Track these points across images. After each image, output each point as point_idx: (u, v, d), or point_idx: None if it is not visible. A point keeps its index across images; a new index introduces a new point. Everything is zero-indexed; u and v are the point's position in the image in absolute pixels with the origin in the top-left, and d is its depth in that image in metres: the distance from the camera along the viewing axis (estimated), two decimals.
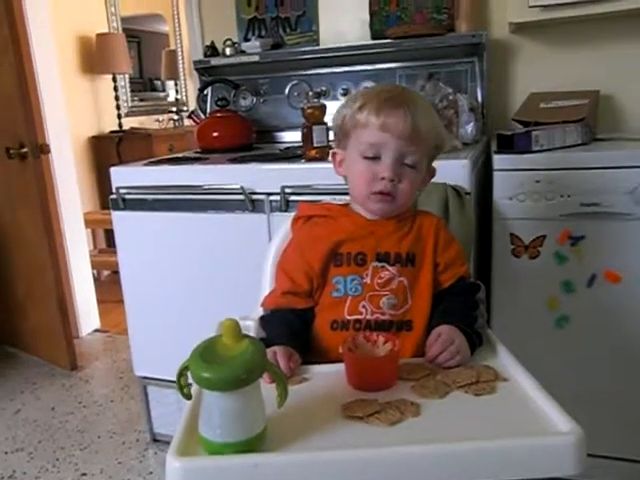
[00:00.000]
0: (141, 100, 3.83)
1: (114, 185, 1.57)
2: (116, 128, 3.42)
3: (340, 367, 0.72)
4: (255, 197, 1.41)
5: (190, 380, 0.58)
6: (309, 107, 1.41)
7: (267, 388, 0.61)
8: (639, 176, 1.21)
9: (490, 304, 1.38)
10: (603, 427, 1.34)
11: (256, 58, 1.81)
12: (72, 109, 2.85)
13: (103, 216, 3.27)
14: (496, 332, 1.32)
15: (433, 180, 1.11)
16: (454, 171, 1.24)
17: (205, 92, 1.92)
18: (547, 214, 1.28)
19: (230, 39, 1.88)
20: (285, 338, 0.78)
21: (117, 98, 3.43)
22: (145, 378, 1.75)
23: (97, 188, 3.43)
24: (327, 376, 0.72)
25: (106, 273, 3.50)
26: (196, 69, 1.93)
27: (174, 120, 3.72)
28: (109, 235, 3.45)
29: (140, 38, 3.94)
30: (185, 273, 1.55)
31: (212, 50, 1.89)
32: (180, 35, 4.17)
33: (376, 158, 0.82)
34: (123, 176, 1.57)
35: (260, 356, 0.57)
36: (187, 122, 3.86)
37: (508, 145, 1.31)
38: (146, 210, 1.54)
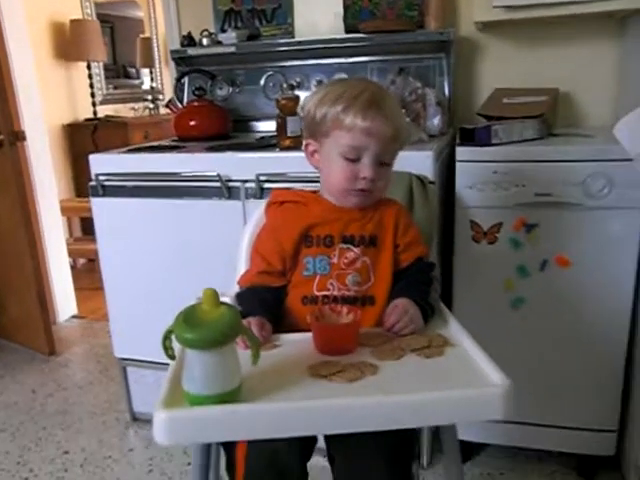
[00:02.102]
0: (115, 88, 3.84)
1: (93, 172, 1.63)
2: (91, 116, 3.43)
3: (308, 335, 0.81)
4: (231, 184, 1.49)
5: (174, 343, 0.66)
6: (283, 99, 1.49)
7: (243, 353, 0.70)
8: (588, 170, 1.32)
9: (452, 286, 1.48)
10: (552, 398, 1.46)
11: (232, 49, 1.88)
12: (46, 96, 2.87)
13: (79, 204, 3.30)
14: (458, 311, 1.45)
15: (400, 169, 1.22)
16: (419, 161, 1.34)
17: (182, 81, 1.97)
18: (504, 203, 1.38)
19: (207, 30, 1.94)
20: (259, 310, 0.86)
21: (92, 86, 3.44)
22: (124, 359, 1.82)
23: (72, 176, 3.45)
24: (296, 343, 0.81)
25: (82, 261, 3.52)
26: (173, 59, 1.99)
27: (150, 108, 3.74)
28: (85, 223, 3.47)
29: (113, 23, 3.93)
30: (163, 257, 1.62)
31: (189, 40, 1.95)
32: (155, 22, 4.18)
33: (357, 159, 0.89)
34: (102, 163, 1.63)
35: (235, 320, 0.65)
36: (163, 110, 3.89)
37: (469, 138, 1.41)
38: (125, 196, 1.60)
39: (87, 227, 3.46)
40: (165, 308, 1.58)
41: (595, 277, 1.37)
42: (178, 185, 1.54)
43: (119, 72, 3.96)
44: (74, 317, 2.85)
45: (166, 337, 0.66)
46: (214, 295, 0.65)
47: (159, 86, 4.20)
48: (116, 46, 3.95)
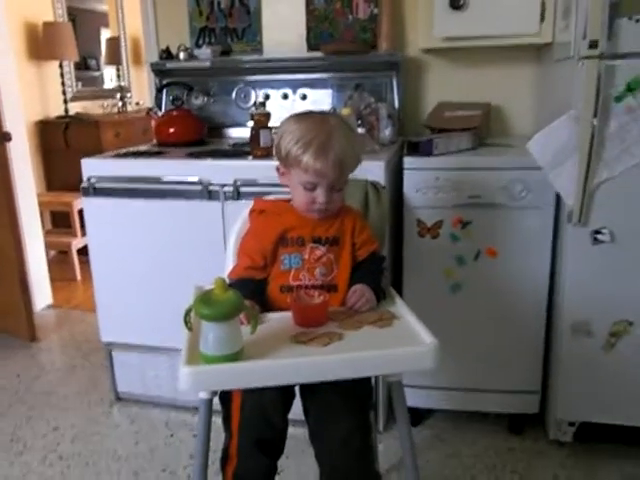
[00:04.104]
0: (84, 85, 3.90)
1: (85, 174, 1.78)
2: (62, 113, 3.51)
3: (288, 314, 1.04)
4: (211, 188, 1.68)
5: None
6: (257, 114, 1.70)
7: (243, 327, 0.92)
8: (509, 176, 1.58)
9: (402, 275, 1.73)
10: (486, 366, 1.74)
11: (207, 63, 2.06)
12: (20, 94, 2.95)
13: (51, 198, 3.39)
14: (407, 295, 1.70)
15: (356, 177, 1.44)
16: (373, 169, 1.56)
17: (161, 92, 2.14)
18: (444, 204, 1.63)
19: (183, 45, 2.11)
20: (249, 295, 1.07)
21: (63, 84, 3.51)
22: (110, 343, 1.98)
23: (43, 171, 3.52)
24: (280, 319, 1.04)
25: (52, 253, 3.60)
26: (153, 70, 2.15)
27: (118, 107, 3.83)
28: (55, 216, 3.56)
29: (75, 16, 3.94)
30: (149, 251, 1.79)
31: (167, 54, 2.12)
32: (123, 19, 4.22)
33: (313, 188, 1.10)
34: (93, 166, 1.79)
35: (239, 301, 0.88)
36: (130, 108, 3.99)
37: (415, 149, 1.65)
38: (114, 197, 1.77)
39: (57, 220, 3.55)
40: (150, 296, 1.82)
41: (518, 264, 1.65)
42: (163, 188, 1.72)
43: (80, 65, 3.94)
44: (50, 306, 2.95)
45: (187, 314, 0.88)
46: (223, 282, 0.87)
47: (127, 84, 4.27)
48: (78, 38, 3.96)
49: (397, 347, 0.91)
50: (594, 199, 1.47)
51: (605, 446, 1.68)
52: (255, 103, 1.76)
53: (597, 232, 1.50)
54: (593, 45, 1.35)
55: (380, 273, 1.17)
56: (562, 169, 1.48)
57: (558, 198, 1.57)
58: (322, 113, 1.16)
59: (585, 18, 1.37)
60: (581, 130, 1.41)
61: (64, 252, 3.41)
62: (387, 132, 1.88)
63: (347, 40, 2.05)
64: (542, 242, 1.63)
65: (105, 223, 1.81)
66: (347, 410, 1.06)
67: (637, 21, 1.33)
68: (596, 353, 1.58)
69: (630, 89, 1.36)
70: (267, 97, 2.08)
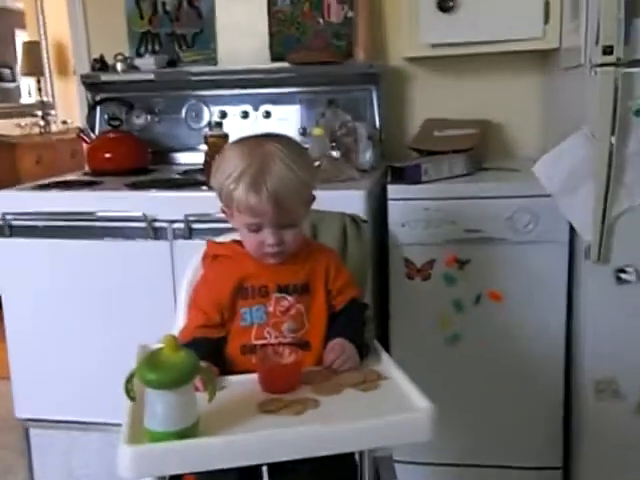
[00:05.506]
0: None
1: None
2: None
3: (253, 376, 1.05)
4: (157, 224, 1.70)
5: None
6: (211, 136, 1.74)
7: (199, 394, 0.92)
8: (514, 205, 1.65)
9: (388, 324, 1.77)
10: (493, 437, 1.76)
11: (151, 76, 2.11)
12: None
13: None
14: (395, 351, 1.72)
15: (333, 209, 1.49)
16: (351, 201, 1.61)
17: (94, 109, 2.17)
18: (436, 239, 1.69)
19: (121, 53, 2.16)
20: (204, 357, 1.07)
21: None
22: (28, 420, 1.93)
23: None
24: (243, 383, 1.05)
25: None
26: (84, 83, 2.18)
27: (40, 126, 3.84)
28: None
29: None
30: (80, 304, 1.78)
31: (102, 64, 2.16)
32: (44, 21, 4.26)
33: (259, 229, 1.10)
34: (10, 201, 1.79)
35: (194, 363, 0.88)
36: (55, 128, 4.01)
37: (399, 176, 1.71)
38: (36, 237, 1.77)
39: None
40: (80, 360, 1.79)
41: (528, 309, 1.69)
42: (97, 225, 1.73)
43: None
44: None
45: (129, 380, 0.88)
46: (174, 340, 0.88)
47: (50, 99, 4.28)
48: None
49: (385, 415, 0.93)
50: (615, 232, 1.52)
51: None
52: (209, 123, 1.81)
53: (621, 270, 1.55)
54: (608, 51, 1.39)
55: (362, 324, 1.19)
56: (575, 197, 1.54)
57: (572, 230, 1.63)
58: (262, 136, 1.16)
59: (597, 19, 1.40)
60: (596, 150, 1.46)
61: None
62: (367, 156, 1.94)
63: (318, 48, 2.12)
64: (556, 283, 1.68)
65: (24, 270, 1.80)
66: None
67: None
68: (627, 418, 1.60)
69: None
70: (224, 116, 2.13)
